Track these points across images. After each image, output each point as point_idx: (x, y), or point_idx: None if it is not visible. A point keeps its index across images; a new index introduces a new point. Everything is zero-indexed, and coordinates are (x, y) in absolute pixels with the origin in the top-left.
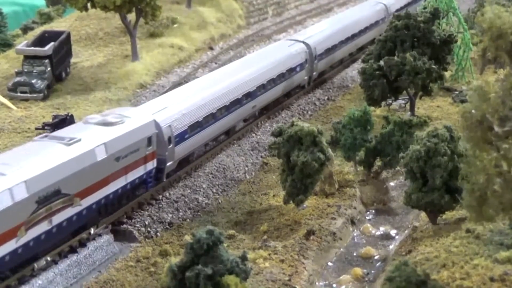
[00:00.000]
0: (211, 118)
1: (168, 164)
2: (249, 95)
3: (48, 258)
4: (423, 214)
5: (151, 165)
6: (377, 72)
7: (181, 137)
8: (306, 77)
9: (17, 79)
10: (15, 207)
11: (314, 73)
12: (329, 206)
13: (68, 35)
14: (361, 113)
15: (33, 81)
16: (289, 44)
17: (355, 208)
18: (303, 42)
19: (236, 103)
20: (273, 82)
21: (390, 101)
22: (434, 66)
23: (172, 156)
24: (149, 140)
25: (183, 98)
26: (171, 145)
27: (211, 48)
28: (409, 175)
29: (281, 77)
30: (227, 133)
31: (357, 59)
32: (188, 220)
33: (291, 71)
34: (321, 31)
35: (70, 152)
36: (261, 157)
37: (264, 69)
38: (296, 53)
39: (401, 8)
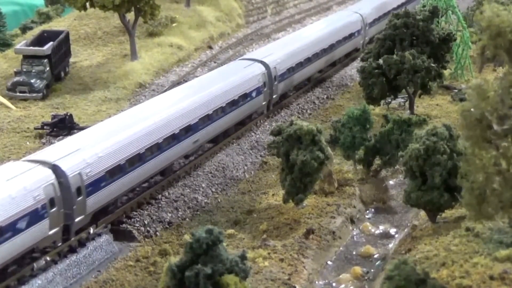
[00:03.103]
0: None
1: None
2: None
3: (48, 258)
4: (422, 213)
5: None
6: (376, 70)
7: None
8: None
9: (16, 78)
10: None
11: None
12: (329, 205)
13: (67, 35)
14: (360, 111)
15: (32, 80)
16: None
17: (354, 207)
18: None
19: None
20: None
21: (389, 100)
22: (433, 65)
23: None
24: None
25: None
26: None
27: (210, 47)
28: (408, 173)
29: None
30: None
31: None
32: (187, 219)
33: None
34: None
35: None
36: (261, 156)
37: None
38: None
39: (379, 18)
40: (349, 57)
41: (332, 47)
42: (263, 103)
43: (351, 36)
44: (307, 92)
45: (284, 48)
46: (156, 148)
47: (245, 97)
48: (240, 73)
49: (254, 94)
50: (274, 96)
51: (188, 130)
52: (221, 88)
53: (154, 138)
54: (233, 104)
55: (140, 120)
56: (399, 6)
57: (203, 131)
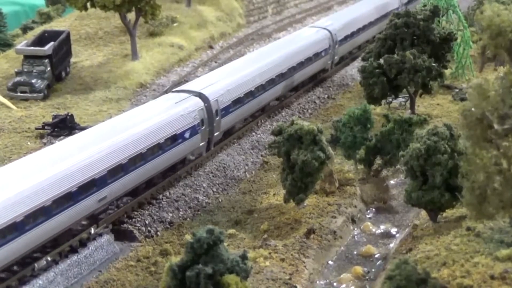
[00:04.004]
0: None
1: None
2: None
3: (49, 258)
4: (423, 212)
5: None
6: (377, 70)
7: None
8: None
9: (17, 79)
10: None
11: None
12: (330, 204)
13: (68, 35)
14: (361, 111)
15: (33, 81)
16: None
17: (355, 206)
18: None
19: None
20: None
21: (390, 99)
22: (434, 64)
23: None
24: None
25: None
26: None
27: (211, 47)
28: (409, 173)
29: None
30: None
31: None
32: (188, 219)
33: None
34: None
35: None
36: (261, 156)
37: None
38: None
39: (352, 34)
40: (315, 79)
41: (292, 70)
42: (201, 143)
43: (316, 56)
44: (307, 91)
45: (230, 76)
46: (42, 214)
47: (174, 139)
48: (169, 110)
49: (187, 135)
50: (215, 134)
51: (92, 185)
52: (141, 130)
53: (40, 200)
54: (158, 149)
55: (19, 178)
56: (377, 20)
57: (113, 185)
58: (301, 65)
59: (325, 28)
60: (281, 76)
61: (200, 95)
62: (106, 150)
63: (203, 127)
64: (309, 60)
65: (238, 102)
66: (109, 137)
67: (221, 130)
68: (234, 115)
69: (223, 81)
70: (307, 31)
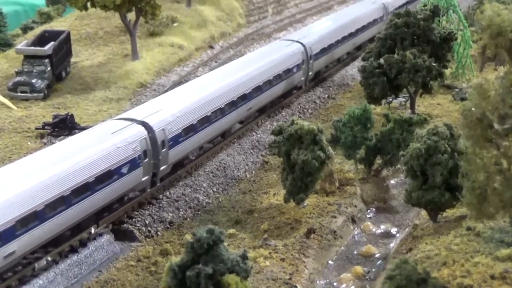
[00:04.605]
0: None
1: None
2: None
3: (49, 258)
4: (423, 212)
5: None
6: (377, 70)
7: None
8: None
9: (17, 79)
10: None
11: None
12: (330, 204)
13: (68, 35)
14: (361, 111)
15: (33, 80)
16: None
17: (355, 206)
18: None
19: None
20: None
21: (390, 99)
22: (434, 64)
23: None
24: None
25: None
26: None
27: (211, 47)
28: (409, 173)
29: None
30: None
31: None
32: (188, 219)
33: None
34: None
35: None
36: (262, 155)
37: None
38: None
39: (330, 47)
40: (287, 97)
41: (258, 90)
42: (143, 178)
43: (287, 73)
44: (308, 91)
45: (181, 101)
46: None
47: (109, 176)
48: (103, 143)
49: (125, 170)
50: (162, 168)
51: None
52: (64, 169)
53: None
54: (86, 189)
55: None
56: (358, 31)
57: (24, 237)
58: (269, 83)
59: (298, 41)
60: (245, 97)
61: (143, 124)
62: (16, 197)
63: (146, 160)
64: (278, 78)
65: (190, 130)
66: (21, 178)
67: (170, 163)
68: (185, 144)
69: (172, 107)
70: (277, 45)
